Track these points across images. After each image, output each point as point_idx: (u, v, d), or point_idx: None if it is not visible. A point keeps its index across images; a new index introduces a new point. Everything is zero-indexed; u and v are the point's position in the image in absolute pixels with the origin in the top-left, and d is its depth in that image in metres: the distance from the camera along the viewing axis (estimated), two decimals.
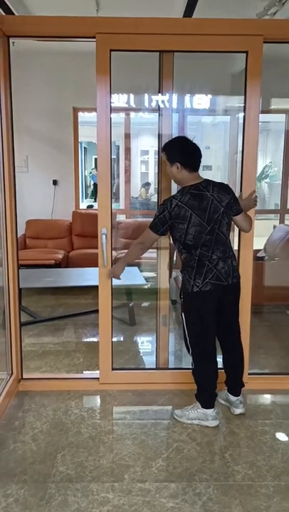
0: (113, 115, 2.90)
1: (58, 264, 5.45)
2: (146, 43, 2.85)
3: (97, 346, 3.19)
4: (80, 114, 6.58)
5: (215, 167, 9.23)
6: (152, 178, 12.08)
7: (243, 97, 2.94)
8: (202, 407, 2.75)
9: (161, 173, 3.17)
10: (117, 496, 2.16)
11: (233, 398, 2.90)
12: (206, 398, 2.75)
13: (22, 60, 3.32)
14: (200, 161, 2.69)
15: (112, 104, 2.91)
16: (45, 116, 6.14)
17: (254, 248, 5.16)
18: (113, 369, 3.19)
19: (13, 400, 3.02)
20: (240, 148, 3.12)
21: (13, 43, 2.97)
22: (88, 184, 14.31)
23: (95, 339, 4.20)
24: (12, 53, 2.93)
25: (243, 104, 2.98)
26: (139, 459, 2.44)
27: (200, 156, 2.68)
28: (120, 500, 2.13)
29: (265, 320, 4.74)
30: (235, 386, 2.90)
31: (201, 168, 2.74)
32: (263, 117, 3.03)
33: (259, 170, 11.24)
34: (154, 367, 3.46)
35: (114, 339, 4.40)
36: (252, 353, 3.95)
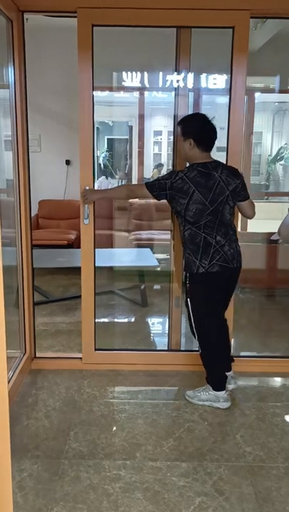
0: (126, 94, 2.87)
1: (70, 245, 5.46)
2: (128, 17, 2.77)
3: (110, 327, 3.20)
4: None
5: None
6: (165, 159, 11.96)
7: (261, 76, 2.87)
8: (213, 389, 2.76)
9: (176, 155, 3.13)
10: (129, 474, 2.19)
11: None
12: (217, 381, 2.76)
13: (35, 37, 3.26)
14: (214, 143, 2.63)
15: (124, 83, 2.88)
16: (58, 95, 6.06)
17: (267, 231, 5.12)
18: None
19: (26, 377, 3.06)
20: (256, 129, 3.06)
21: (27, 19, 2.92)
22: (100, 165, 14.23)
23: (106, 320, 4.23)
24: (26, 30, 2.89)
25: (261, 85, 2.91)
26: (151, 438, 2.47)
27: (215, 137, 2.63)
28: (132, 478, 2.16)
29: (278, 303, 4.73)
30: (227, 361, 2.91)
31: (214, 149, 2.69)
32: (279, 97, 2.95)
33: (274, 152, 11.07)
34: (166, 348, 3.47)
35: (126, 320, 4.44)
36: (263, 335, 3.96)
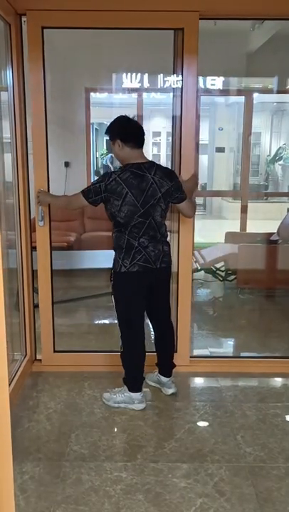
0: (124, 95, 2.87)
1: (70, 247, 5.47)
2: (78, 19, 2.79)
3: (110, 328, 3.20)
4: (92, 95, 6.49)
5: (228, 149, 9.12)
6: (164, 159, 11.97)
7: (260, 77, 2.88)
8: (129, 390, 2.75)
9: (174, 155, 3.14)
10: (130, 475, 2.19)
11: (164, 379, 2.92)
12: (132, 382, 2.76)
13: None
14: (142, 139, 2.62)
15: (123, 85, 2.89)
16: (56, 97, 6.05)
17: (267, 231, 5.14)
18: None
19: (27, 380, 3.06)
20: (254, 130, 3.07)
21: (25, 21, 2.93)
22: (100, 166, 14.25)
23: (106, 321, 4.23)
24: (24, 32, 2.89)
25: (259, 85, 2.91)
26: (152, 440, 2.47)
27: (141, 133, 2.62)
28: (133, 480, 2.17)
29: (278, 303, 4.73)
30: (167, 367, 2.92)
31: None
32: (278, 97, 2.96)
33: (273, 152, 11.08)
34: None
35: None
36: (263, 336, 3.96)
